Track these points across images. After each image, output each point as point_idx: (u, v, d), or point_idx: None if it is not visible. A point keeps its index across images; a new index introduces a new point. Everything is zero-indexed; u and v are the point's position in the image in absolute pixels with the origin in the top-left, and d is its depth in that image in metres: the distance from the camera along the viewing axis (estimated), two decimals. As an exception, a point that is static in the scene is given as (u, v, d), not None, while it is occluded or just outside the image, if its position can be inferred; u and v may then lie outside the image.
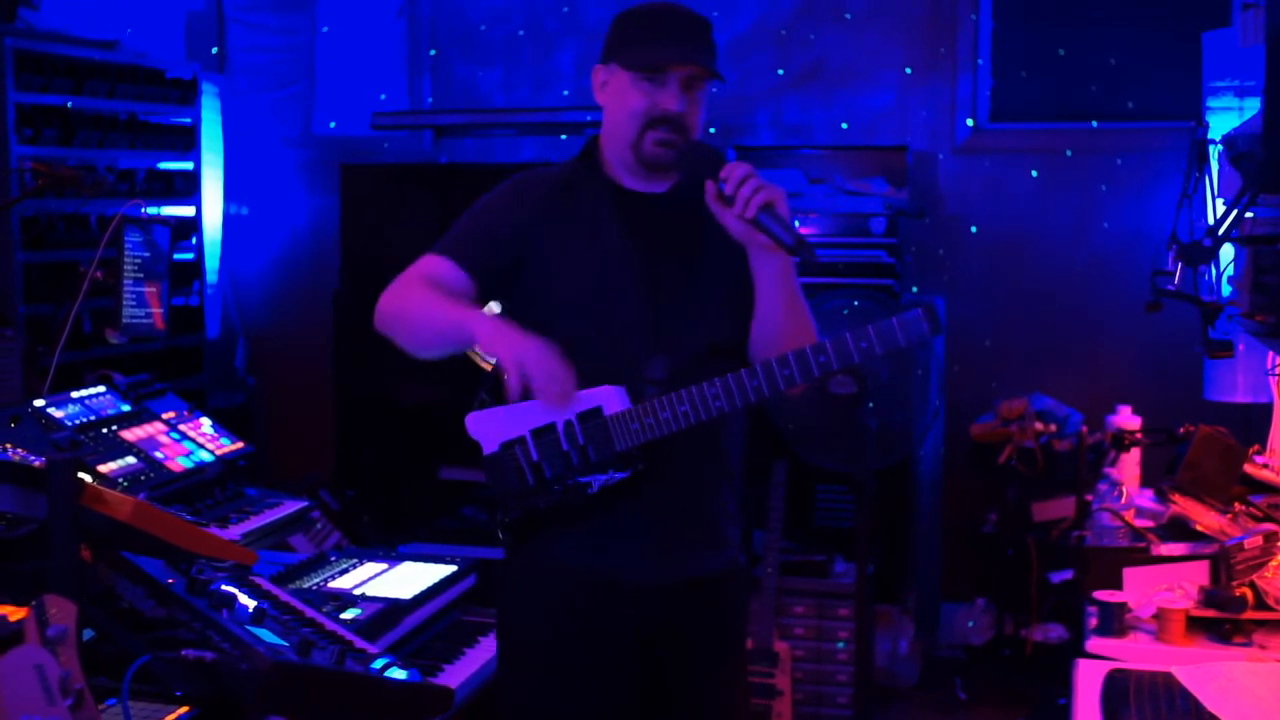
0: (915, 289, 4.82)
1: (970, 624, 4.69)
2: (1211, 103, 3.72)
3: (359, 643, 1.81)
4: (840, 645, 4.20)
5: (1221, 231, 2.45)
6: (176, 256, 4.12)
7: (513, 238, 2.20)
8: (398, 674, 1.70)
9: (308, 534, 3.67)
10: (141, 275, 3.03)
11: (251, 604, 1.78)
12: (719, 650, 2.30)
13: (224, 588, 1.80)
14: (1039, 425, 4.27)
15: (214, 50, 5.44)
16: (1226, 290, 3.26)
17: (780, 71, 5.02)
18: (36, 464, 1.66)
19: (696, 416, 2.05)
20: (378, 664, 1.72)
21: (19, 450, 1.82)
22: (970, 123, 4.88)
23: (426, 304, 2.16)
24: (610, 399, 2.11)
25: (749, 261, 2.14)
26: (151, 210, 4.52)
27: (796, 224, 2.12)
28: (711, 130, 4.92)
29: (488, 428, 2.20)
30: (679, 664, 2.26)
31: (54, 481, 1.58)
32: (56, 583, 1.58)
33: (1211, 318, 3.06)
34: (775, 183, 2.19)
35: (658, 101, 2.13)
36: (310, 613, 1.92)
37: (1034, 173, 4.85)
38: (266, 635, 1.70)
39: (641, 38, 2.16)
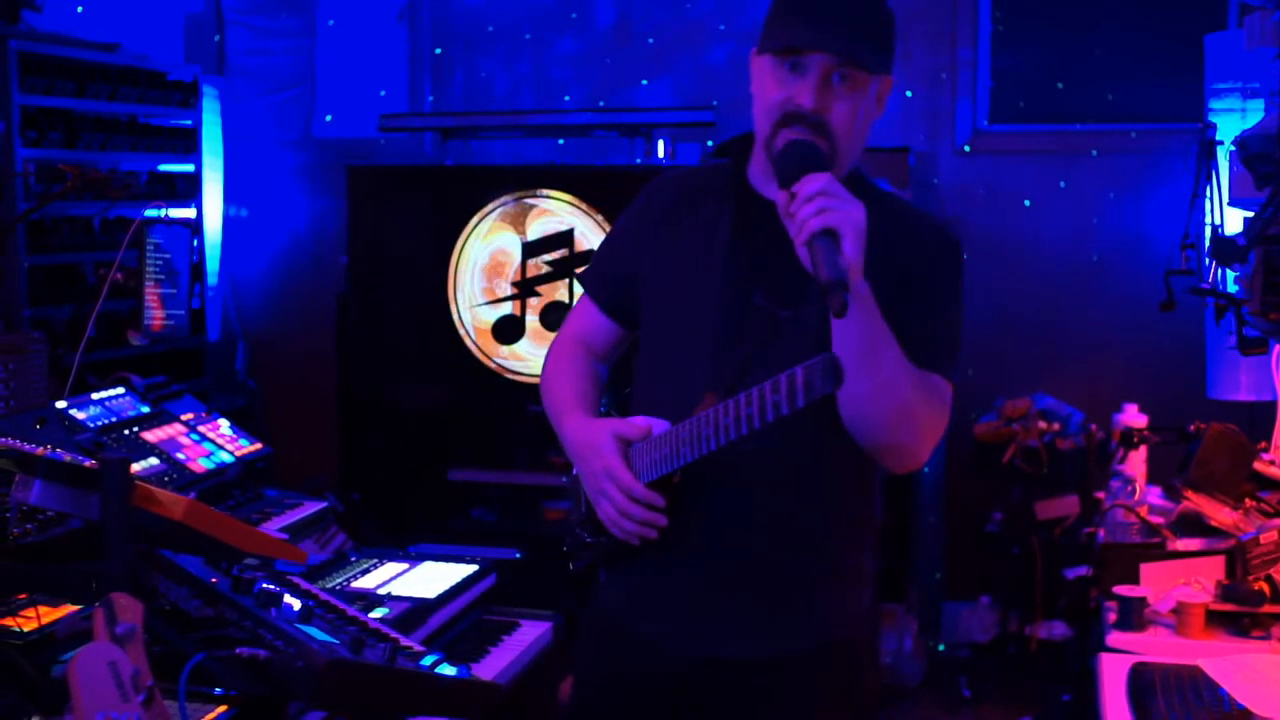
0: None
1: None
2: (1214, 104, 3.76)
3: (404, 640, 1.82)
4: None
5: (1257, 231, 2.48)
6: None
7: (631, 256, 2.02)
8: (447, 670, 1.72)
9: (313, 536, 3.68)
10: (162, 277, 3.03)
11: (297, 603, 1.79)
12: None
13: (266, 586, 1.81)
14: (1042, 424, 4.31)
15: (215, 39, 5.43)
16: (1232, 289, 3.29)
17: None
18: (87, 464, 1.67)
19: (695, 453, 1.80)
20: (427, 660, 1.73)
21: (58, 450, 1.83)
22: (970, 125, 4.92)
23: (550, 388, 2.08)
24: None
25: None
26: (151, 213, 4.51)
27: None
28: (709, 144, 4.94)
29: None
30: None
31: (107, 481, 1.59)
32: (110, 582, 1.58)
33: (1221, 313, 3.10)
34: None
35: (793, 94, 1.79)
36: (352, 611, 1.93)
37: (1034, 174, 4.89)
38: (316, 633, 1.70)
39: (784, 14, 1.83)
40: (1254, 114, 3.56)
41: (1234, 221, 3.43)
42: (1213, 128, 3.45)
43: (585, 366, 2.11)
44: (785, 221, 1.72)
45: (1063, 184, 4.87)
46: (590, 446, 1.91)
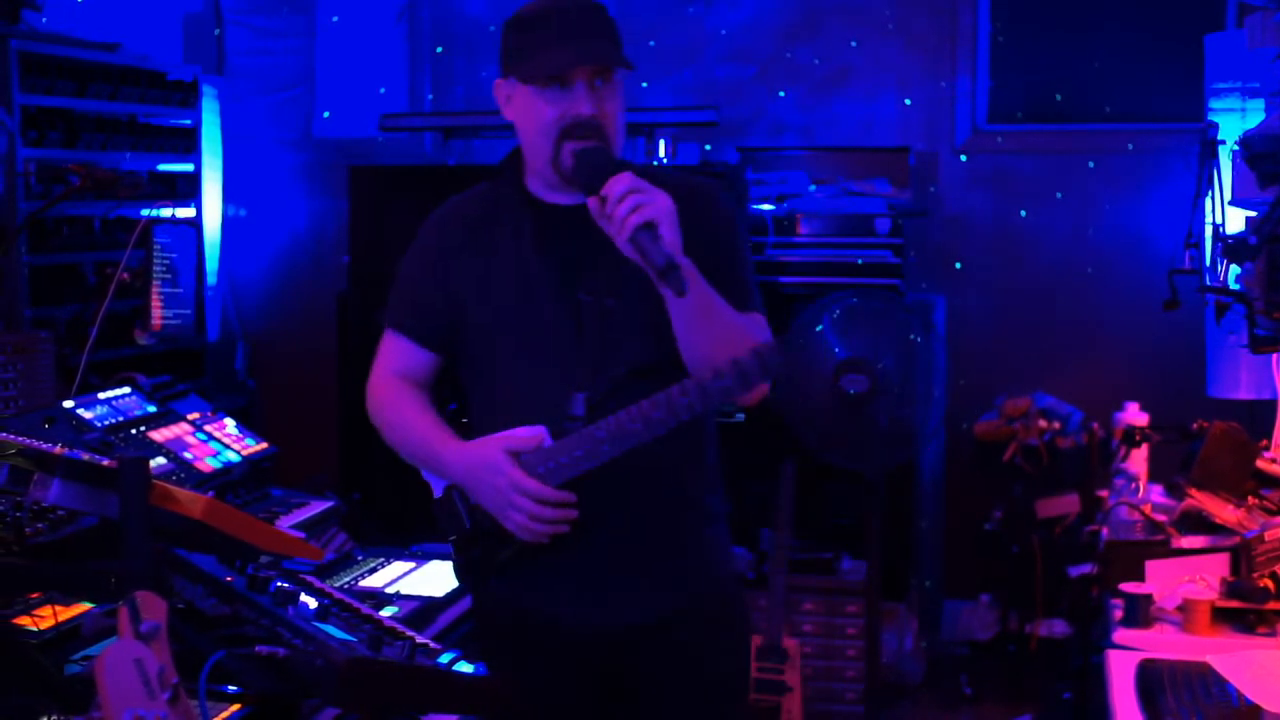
0: (923, 286, 4.88)
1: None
2: (1214, 104, 3.77)
3: (420, 637, 1.83)
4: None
5: (1268, 230, 2.50)
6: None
7: (444, 285, 2.13)
8: (465, 668, 1.72)
9: (315, 535, 3.68)
10: (167, 277, 3.03)
11: (314, 601, 1.80)
12: (690, 685, 2.13)
13: (282, 585, 1.81)
14: (1043, 423, 4.32)
15: (214, 39, 5.43)
16: (1234, 288, 3.31)
17: (783, 73, 5.06)
18: (105, 463, 1.67)
19: (590, 461, 1.96)
20: (444, 658, 1.74)
21: (76, 449, 1.83)
22: (970, 125, 4.94)
23: (404, 426, 2.15)
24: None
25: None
26: (150, 212, 4.51)
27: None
28: (707, 146, 4.94)
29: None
30: (647, 704, 2.14)
31: (126, 480, 1.59)
32: (129, 580, 1.58)
33: (1221, 312, 3.11)
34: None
35: (567, 109, 1.99)
36: (366, 609, 1.93)
37: (1034, 174, 4.91)
38: (335, 631, 1.71)
39: (535, 44, 2.01)
40: (1254, 114, 3.58)
41: (1235, 221, 3.45)
42: (1215, 127, 3.47)
43: (422, 398, 2.19)
44: (602, 223, 1.91)
45: (1062, 184, 4.88)
46: (486, 467, 2.02)
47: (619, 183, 1.89)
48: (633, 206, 1.86)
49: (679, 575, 2.13)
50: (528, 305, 2.08)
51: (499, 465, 2.00)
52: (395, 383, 2.19)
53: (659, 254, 1.85)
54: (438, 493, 2.18)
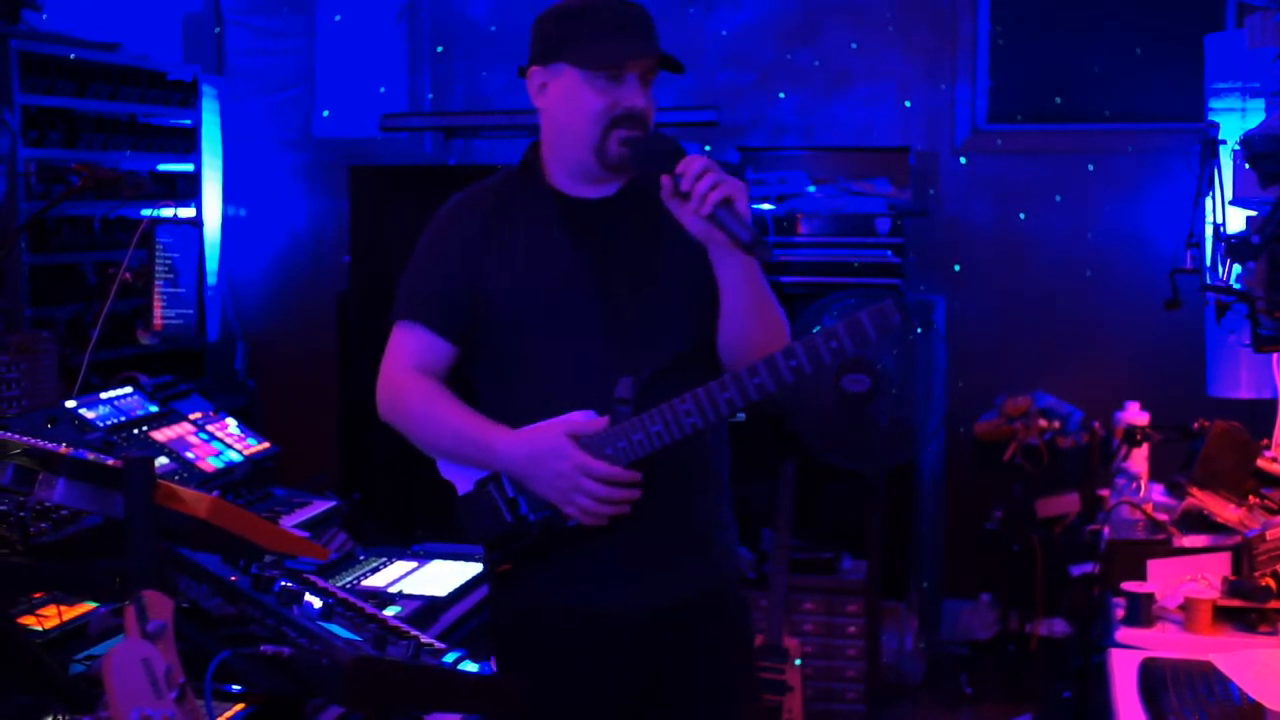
0: (922, 287, 4.88)
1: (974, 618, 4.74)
2: (1215, 104, 3.78)
3: (424, 636, 1.83)
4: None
5: (1272, 230, 2.51)
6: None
7: (465, 275, 2.12)
8: (470, 667, 1.72)
9: (316, 535, 3.68)
10: (170, 277, 3.03)
11: (318, 600, 1.79)
12: (721, 666, 2.21)
13: (286, 584, 1.81)
14: (1043, 422, 4.33)
15: (214, 39, 5.43)
16: (1235, 287, 3.31)
17: (783, 76, 5.06)
18: (110, 463, 1.67)
19: (671, 435, 1.98)
20: (449, 658, 1.74)
21: (81, 449, 1.83)
22: (970, 125, 4.94)
23: (435, 419, 2.12)
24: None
25: (710, 259, 2.02)
26: (149, 212, 4.51)
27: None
28: (707, 148, 4.95)
29: (461, 466, 2.13)
30: (680, 687, 2.18)
31: (131, 480, 1.58)
32: (134, 580, 1.58)
33: (1222, 311, 3.12)
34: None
35: (619, 99, 2.04)
36: (370, 609, 1.93)
37: (1034, 173, 4.91)
38: (340, 630, 1.71)
39: (594, 34, 2.04)
40: (1254, 114, 3.59)
41: (1236, 221, 3.45)
42: (1215, 127, 3.48)
43: (449, 391, 2.16)
44: (671, 202, 1.97)
45: (1062, 184, 4.89)
46: (548, 452, 2.00)
47: (695, 162, 1.95)
48: (713, 183, 1.93)
49: (718, 550, 2.19)
50: (560, 297, 2.09)
51: (563, 449, 1.99)
52: (416, 376, 2.16)
53: (743, 226, 1.93)
54: (465, 488, 2.13)
